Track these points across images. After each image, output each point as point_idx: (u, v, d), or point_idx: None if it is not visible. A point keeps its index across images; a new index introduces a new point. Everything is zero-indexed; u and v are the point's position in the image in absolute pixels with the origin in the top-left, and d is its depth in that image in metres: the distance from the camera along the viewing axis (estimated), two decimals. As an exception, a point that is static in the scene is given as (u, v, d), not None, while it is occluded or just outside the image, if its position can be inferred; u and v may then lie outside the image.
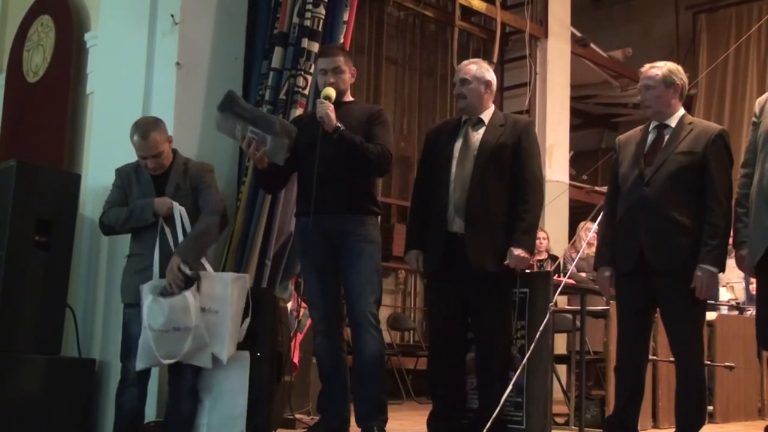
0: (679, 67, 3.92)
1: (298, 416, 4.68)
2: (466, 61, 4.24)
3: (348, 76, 4.07)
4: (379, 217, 4.13)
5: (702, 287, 3.64)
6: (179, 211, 3.84)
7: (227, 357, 3.79)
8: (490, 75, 4.16)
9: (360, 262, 3.89)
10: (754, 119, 3.75)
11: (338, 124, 3.85)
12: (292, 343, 4.52)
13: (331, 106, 3.86)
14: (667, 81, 3.84)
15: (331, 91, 3.93)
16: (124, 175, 4.02)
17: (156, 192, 3.92)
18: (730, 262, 3.82)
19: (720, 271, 3.74)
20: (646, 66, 3.92)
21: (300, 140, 3.93)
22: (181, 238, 3.81)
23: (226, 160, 4.44)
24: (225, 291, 3.81)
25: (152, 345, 3.70)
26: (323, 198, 3.88)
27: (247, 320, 3.88)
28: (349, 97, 4.14)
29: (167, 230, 3.84)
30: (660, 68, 3.86)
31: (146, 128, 3.89)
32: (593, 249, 6.40)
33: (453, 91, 4.22)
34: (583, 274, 6.58)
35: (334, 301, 3.99)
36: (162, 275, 3.78)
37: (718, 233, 3.67)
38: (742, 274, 7.34)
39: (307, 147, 3.90)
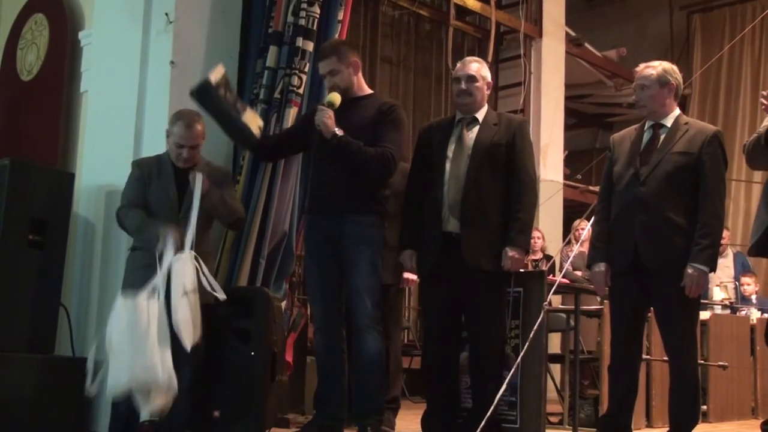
0: (674, 67, 3.92)
1: (291, 416, 4.68)
2: (469, 58, 4.19)
3: (346, 74, 3.99)
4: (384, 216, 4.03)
5: (692, 285, 3.65)
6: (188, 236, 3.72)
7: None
8: (490, 75, 4.17)
9: (358, 267, 3.88)
10: None
11: (336, 131, 3.80)
12: (286, 343, 4.52)
13: (330, 113, 3.81)
14: (662, 81, 3.84)
15: (335, 97, 3.88)
16: (146, 167, 3.98)
17: (176, 187, 3.90)
18: (722, 262, 3.83)
19: (711, 271, 3.74)
20: (641, 66, 3.92)
21: (312, 137, 3.89)
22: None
23: (220, 159, 4.42)
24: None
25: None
26: (324, 198, 3.89)
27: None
28: (364, 91, 4.09)
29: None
30: (655, 68, 3.87)
31: (191, 118, 3.89)
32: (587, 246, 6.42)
33: (454, 88, 4.14)
34: (579, 273, 6.58)
35: (333, 300, 3.98)
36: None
37: (710, 233, 3.68)
38: (732, 274, 7.40)
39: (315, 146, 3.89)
